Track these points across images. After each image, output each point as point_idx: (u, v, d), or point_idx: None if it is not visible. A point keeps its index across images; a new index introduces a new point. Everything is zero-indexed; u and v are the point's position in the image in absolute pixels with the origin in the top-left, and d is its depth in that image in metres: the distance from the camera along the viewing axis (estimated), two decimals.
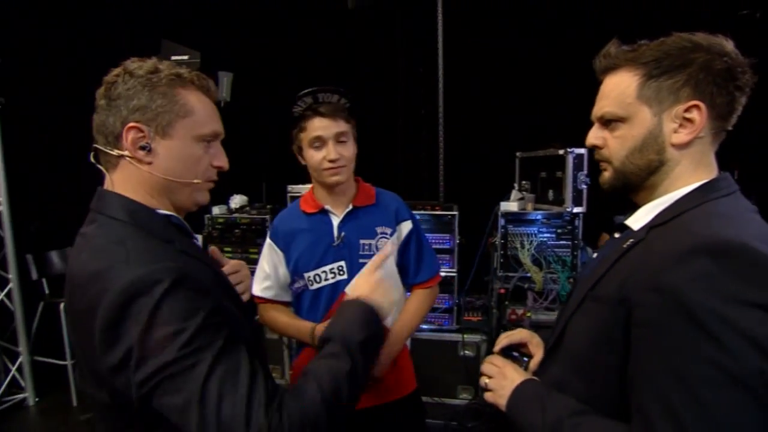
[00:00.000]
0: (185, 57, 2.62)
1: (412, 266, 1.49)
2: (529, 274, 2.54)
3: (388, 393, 1.43)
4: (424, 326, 2.74)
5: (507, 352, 1.00)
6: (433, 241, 2.72)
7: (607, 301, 0.72)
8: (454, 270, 2.73)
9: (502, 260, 2.62)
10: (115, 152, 0.78)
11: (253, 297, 1.47)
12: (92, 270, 0.71)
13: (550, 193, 2.60)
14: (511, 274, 2.59)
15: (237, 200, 3.15)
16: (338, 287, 1.39)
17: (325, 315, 1.39)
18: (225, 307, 0.75)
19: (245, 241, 2.92)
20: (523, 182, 2.83)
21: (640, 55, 0.76)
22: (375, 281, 0.95)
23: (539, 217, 2.59)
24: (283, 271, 1.44)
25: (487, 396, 0.90)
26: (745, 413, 0.56)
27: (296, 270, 1.41)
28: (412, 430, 1.53)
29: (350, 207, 1.41)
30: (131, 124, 0.76)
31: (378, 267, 0.99)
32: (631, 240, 0.75)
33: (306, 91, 1.35)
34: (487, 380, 0.91)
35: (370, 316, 0.88)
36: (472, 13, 3.25)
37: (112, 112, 0.77)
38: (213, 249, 1.02)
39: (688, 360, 0.59)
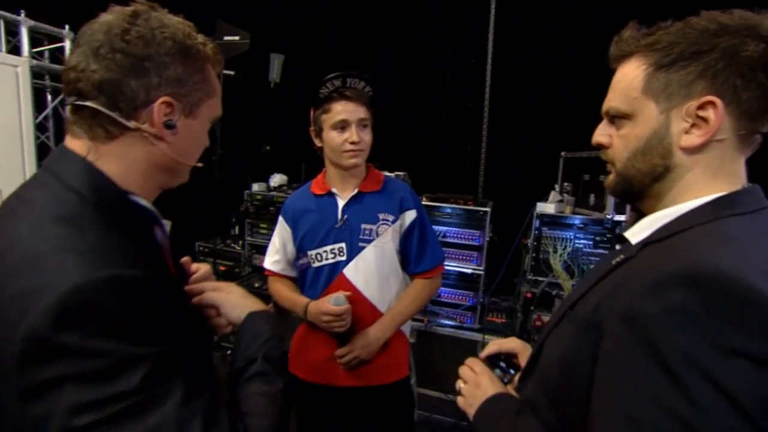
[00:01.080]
0: (236, 38, 2.71)
1: (413, 255, 1.49)
2: (559, 281, 2.42)
3: (377, 376, 1.45)
4: (446, 322, 2.70)
5: (494, 361, 0.94)
6: (462, 236, 2.66)
7: (581, 323, 0.64)
8: (481, 268, 2.65)
9: (532, 263, 2.52)
10: (132, 124, 0.64)
11: (263, 269, 1.60)
12: (28, 250, 0.55)
13: (591, 198, 2.44)
14: (540, 279, 2.48)
15: (277, 179, 3.25)
16: (337, 267, 1.44)
17: (322, 292, 1.44)
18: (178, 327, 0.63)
19: None
20: (565, 184, 2.69)
21: (655, 41, 0.64)
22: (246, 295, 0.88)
23: (577, 221, 2.44)
24: (290, 247, 1.52)
25: (459, 401, 0.86)
26: None
27: (301, 247, 1.48)
28: (399, 416, 1.55)
29: (356, 191, 1.45)
30: (165, 98, 0.65)
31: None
32: (622, 256, 0.65)
33: (334, 74, 1.38)
34: (462, 384, 0.87)
35: (278, 327, 0.83)
36: (525, 5, 3.10)
37: (135, 74, 0.63)
38: (186, 260, 0.89)
39: (646, 407, 0.50)
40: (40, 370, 0.50)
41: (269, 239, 3.45)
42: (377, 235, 1.43)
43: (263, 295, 2.92)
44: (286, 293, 1.52)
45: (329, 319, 1.34)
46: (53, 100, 2.97)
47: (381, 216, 1.44)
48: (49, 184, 0.62)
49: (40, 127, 2.83)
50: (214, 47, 0.73)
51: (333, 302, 1.33)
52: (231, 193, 3.22)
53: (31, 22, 2.63)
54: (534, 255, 2.50)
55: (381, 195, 1.47)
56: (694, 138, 0.61)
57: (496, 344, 0.96)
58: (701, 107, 0.60)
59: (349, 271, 1.43)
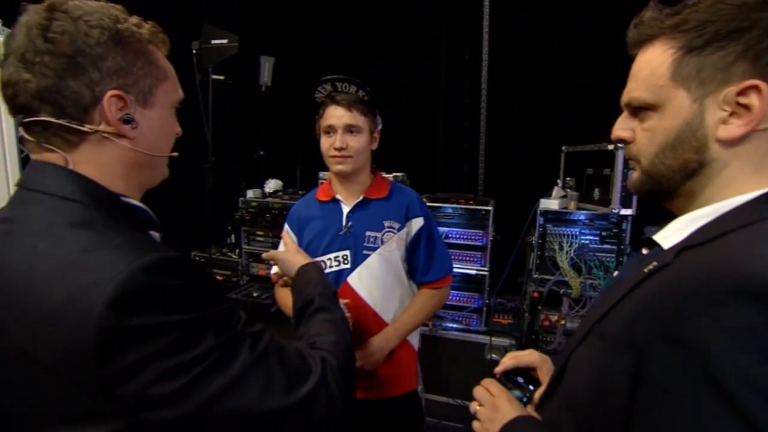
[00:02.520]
0: (224, 41, 2.64)
1: (420, 264, 1.44)
2: (566, 279, 2.35)
3: (383, 389, 1.41)
4: (451, 325, 2.63)
5: (510, 377, 0.88)
6: (464, 237, 2.60)
7: (614, 340, 0.56)
8: (485, 268, 2.58)
9: (538, 261, 2.45)
10: (87, 128, 0.60)
11: (270, 276, 1.56)
12: (57, 261, 0.54)
13: (596, 192, 2.38)
14: (546, 277, 2.42)
15: (272, 184, 3.18)
16: (341, 276, 1.40)
17: None
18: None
19: (275, 225, 2.94)
20: (568, 179, 2.62)
21: (682, 21, 0.57)
22: (304, 253, 1.15)
23: (582, 217, 2.38)
24: None
25: (475, 426, 0.78)
26: None
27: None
28: (408, 429, 1.50)
29: (361, 198, 1.41)
30: (113, 92, 0.61)
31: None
32: (655, 263, 0.58)
33: (325, 78, 1.36)
34: (477, 407, 0.80)
35: (325, 275, 1.05)
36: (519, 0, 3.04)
37: (71, 74, 0.58)
38: None
39: None
40: (122, 357, 0.52)
41: (266, 247, 3.36)
42: (382, 242, 1.39)
43: (263, 305, 2.84)
44: (289, 301, 1.48)
45: None
46: None
47: (386, 223, 1.41)
48: (39, 200, 0.59)
49: (22, 141, 2.74)
50: (152, 26, 0.68)
51: None
52: (225, 201, 3.14)
53: (8, 30, 2.54)
54: (539, 253, 2.44)
55: (387, 202, 1.43)
56: (734, 128, 0.55)
57: (513, 358, 0.89)
58: (742, 93, 0.54)
59: (353, 280, 1.39)
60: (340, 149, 1.34)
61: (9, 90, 0.59)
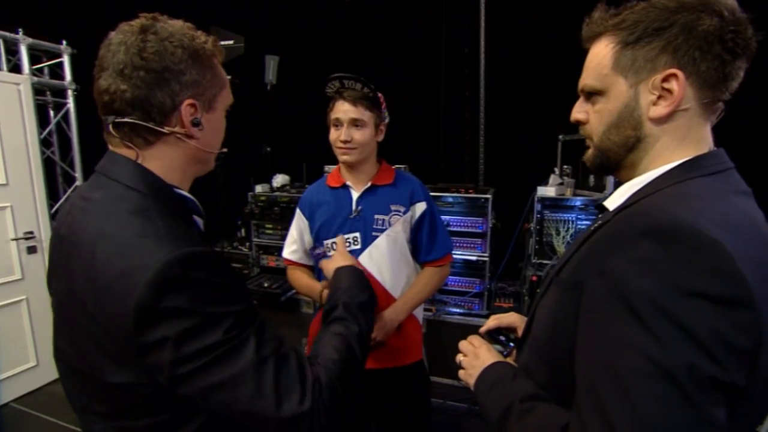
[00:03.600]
0: (231, 42, 2.75)
1: (424, 245, 1.56)
2: None
3: (394, 358, 1.52)
4: (454, 310, 2.74)
5: (493, 335, 0.99)
6: (465, 224, 2.69)
7: (564, 285, 0.69)
8: (486, 255, 2.68)
9: (536, 247, 2.54)
10: (166, 129, 0.73)
11: (282, 258, 1.70)
12: (118, 240, 0.66)
13: (591, 179, 2.46)
14: (544, 262, 2.51)
15: (279, 179, 3.30)
16: (353, 256, 1.49)
17: None
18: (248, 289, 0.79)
19: (284, 218, 3.05)
20: (564, 167, 2.70)
21: (622, 21, 0.68)
22: (350, 256, 1.16)
23: (578, 203, 2.47)
24: (307, 237, 1.61)
25: (460, 374, 0.90)
26: (672, 410, 0.51)
27: (317, 237, 1.55)
28: (417, 395, 1.62)
29: (369, 184, 1.53)
30: (189, 101, 0.73)
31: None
32: (599, 222, 0.71)
33: (333, 75, 1.47)
34: (461, 358, 0.91)
35: (362, 278, 1.06)
36: None
37: (159, 86, 0.71)
38: None
39: (619, 351, 0.55)
40: (151, 332, 0.63)
41: (276, 239, 3.49)
42: (389, 225, 1.50)
43: (274, 294, 2.96)
44: (304, 280, 1.59)
45: None
46: (55, 115, 3.02)
47: (393, 207, 1.51)
48: (109, 186, 0.72)
49: (44, 143, 2.88)
50: (214, 40, 0.79)
51: None
52: (234, 196, 3.26)
53: (30, 40, 2.68)
54: (537, 239, 2.53)
55: (393, 188, 1.54)
56: (661, 109, 0.65)
57: (495, 319, 1.01)
58: (665, 80, 0.64)
59: (363, 259, 1.49)
60: (345, 141, 1.45)
61: (106, 97, 0.71)
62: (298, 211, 1.62)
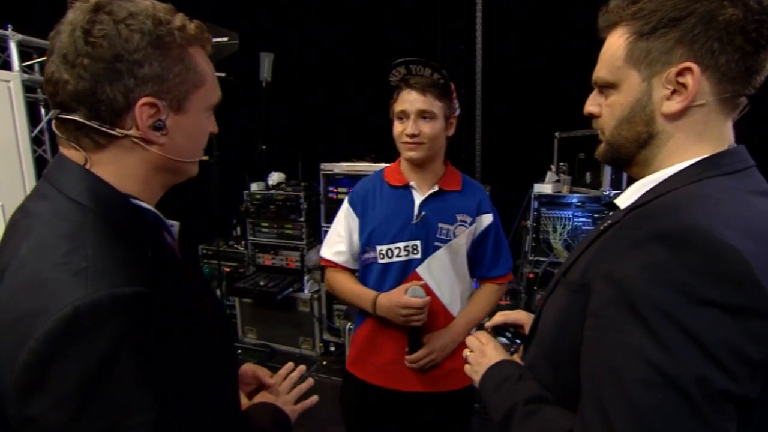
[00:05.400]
0: (225, 39, 2.71)
1: (487, 260, 1.44)
2: (560, 260, 2.45)
3: (446, 382, 1.39)
4: None
5: (500, 331, 0.98)
6: None
7: (571, 287, 0.67)
8: None
9: (533, 244, 2.55)
10: (117, 132, 0.60)
11: (321, 259, 1.51)
12: (31, 271, 0.53)
13: (588, 176, 2.47)
14: (541, 259, 2.51)
15: (275, 177, 3.27)
16: (410, 265, 1.36)
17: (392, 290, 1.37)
18: (188, 344, 0.61)
19: (280, 217, 3.03)
20: (561, 164, 2.71)
21: (638, 10, 0.64)
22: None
23: (574, 200, 2.47)
24: (356, 238, 1.43)
25: (465, 368, 0.90)
26: (679, 422, 0.49)
27: (369, 241, 1.39)
28: (458, 423, 1.50)
29: (436, 188, 1.37)
30: (146, 99, 0.59)
31: None
32: (609, 222, 0.67)
33: (398, 61, 1.31)
34: (468, 353, 0.91)
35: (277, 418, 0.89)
36: None
37: (108, 78, 0.57)
38: (253, 371, 0.94)
39: (626, 357, 0.53)
40: (27, 403, 0.49)
41: (272, 237, 3.44)
42: (454, 236, 1.36)
43: (270, 292, 2.94)
44: (349, 286, 1.43)
45: (409, 312, 1.26)
46: (47, 113, 2.97)
47: (459, 217, 1.37)
48: (50, 195, 0.60)
49: (36, 141, 2.84)
50: (197, 26, 0.65)
51: (411, 294, 1.26)
52: (229, 195, 3.24)
53: (20, 36, 2.63)
54: (534, 236, 2.53)
55: (461, 195, 1.40)
56: (675, 104, 0.62)
57: (502, 315, 1.00)
58: (680, 73, 0.61)
59: (422, 270, 1.36)
60: (412, 135, 1.29)
61: (50, 88, 0.60)
62: (347, 206, 1.43)
